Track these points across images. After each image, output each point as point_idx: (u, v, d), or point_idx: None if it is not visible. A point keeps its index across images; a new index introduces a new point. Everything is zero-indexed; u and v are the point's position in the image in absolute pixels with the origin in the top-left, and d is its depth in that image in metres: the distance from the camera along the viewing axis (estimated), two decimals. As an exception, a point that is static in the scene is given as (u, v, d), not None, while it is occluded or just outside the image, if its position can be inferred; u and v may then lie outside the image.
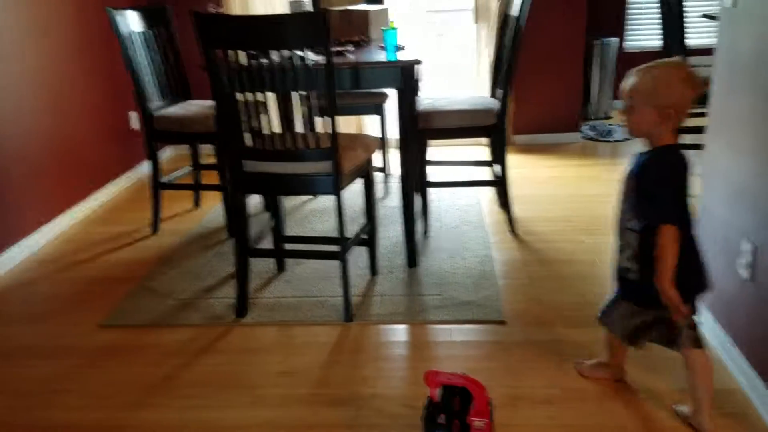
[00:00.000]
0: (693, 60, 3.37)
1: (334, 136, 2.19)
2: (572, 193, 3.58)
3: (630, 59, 5.31)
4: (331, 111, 2.18)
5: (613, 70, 5.13)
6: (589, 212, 3.29)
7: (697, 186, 2.26)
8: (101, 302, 2.57)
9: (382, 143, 3.52)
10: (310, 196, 3.62)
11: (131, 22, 3.01)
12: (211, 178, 3.38)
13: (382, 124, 3.53)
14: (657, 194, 1.57)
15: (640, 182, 1.61)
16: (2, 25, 2.95)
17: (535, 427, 1.77)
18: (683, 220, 1.58)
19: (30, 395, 2.02)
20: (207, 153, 3.48)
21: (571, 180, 3.80)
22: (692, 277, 1.65)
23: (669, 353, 2.04)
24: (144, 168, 4.14)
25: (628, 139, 4.60)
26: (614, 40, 5.05)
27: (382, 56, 2.64)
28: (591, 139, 4.65)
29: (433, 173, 3.14)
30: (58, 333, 2.38)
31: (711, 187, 2.17)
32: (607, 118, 5.22)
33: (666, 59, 1.63)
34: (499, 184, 3.11)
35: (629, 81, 1.60)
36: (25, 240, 3.06)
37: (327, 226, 3.20)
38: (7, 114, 2.97)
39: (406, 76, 2.51)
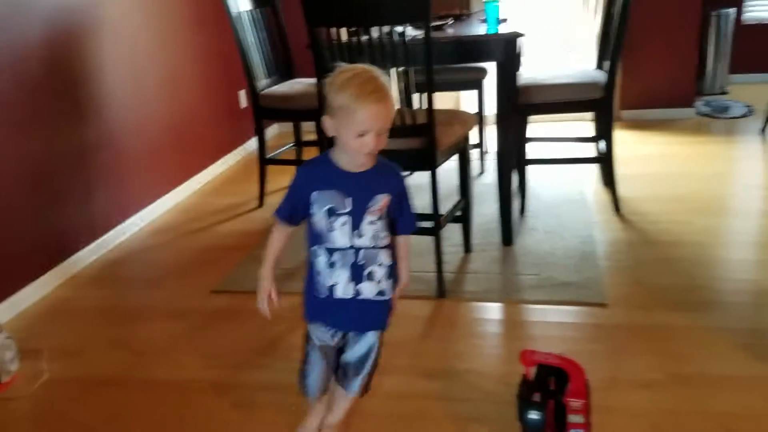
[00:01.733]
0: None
1: (431, 111, 2.19)
2: (683, 171, 3.38)
3: (749, 31, 4.93)
4: (428, 87, 2.18)
5: (731, 43, 4.77)
6: (700, 192, 3.10)
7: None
8: (214, 269, 2.74)
9: (479, 119, 3.48)
10: (406, 172, 3.64)
11: (240, 2, 3.14)
12: (313, 153, 3.48)
13: (480, 99, 3.49)
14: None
15: (404, 196, 1.55)
16: (120, 8, 3.17)
17: (635, 410, 1.72)
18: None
19: (147, 354, 2.18)
20: (309, 130, 3.59)
21: (683, 158, 3.59)
22: None
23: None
24: (252, 144, 4.33)
25: (745, 116, 4.27)
26: (732, 10, 4.68)
27: (482, 29, 2.60)
28: (706, 115, 4.36)
29: (533, 150, 3.07)
30: (174, 297, 2.56)
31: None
32: (724, 93, 4.86)
33: None
34: (604, 161, 3.00)
35: None
36: (145, 210, 3.31)
37: (422, 202, 3.20)
38: (128, 93, 3.20)
39: (507, 50, 2.46)
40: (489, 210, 3.06)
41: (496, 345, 2.10)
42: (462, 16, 3.11)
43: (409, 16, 2.11)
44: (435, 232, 2.33)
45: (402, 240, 1.53)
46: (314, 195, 1.42)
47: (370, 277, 1.46)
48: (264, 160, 3.35)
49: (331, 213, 1.42)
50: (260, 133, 3.31)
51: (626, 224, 2.85)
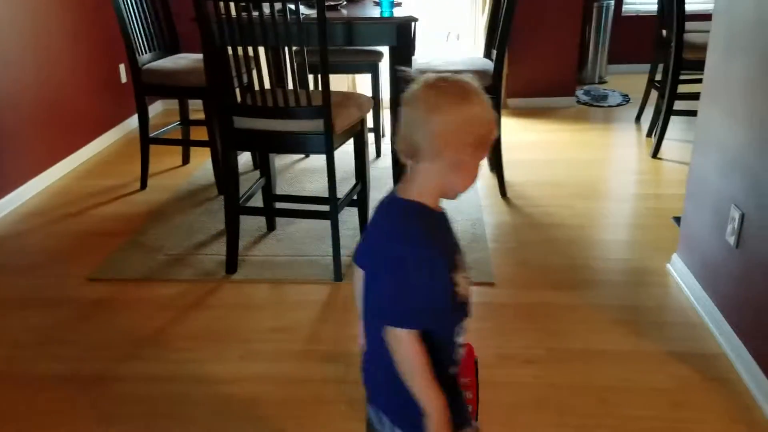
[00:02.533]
0: (691, 25, 3.35)
1: (327, 93, 2.15)
2: (565, 157, 3.57)
3: (627, 23, 5.28)
4: (323, 68, 2.14)
5: (610, 34, 5.08)
6: (581, 177, 3.29)
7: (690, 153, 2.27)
8: (90, 256, 2.56)
9: (375, 103, 3.48)
10: (302, 155, 3.59)
11: (120, -30, 2.93)
12: (200, 133, 3.34)
13: (375, 83, 3.49)
14: None
15: None
16: (-14, -30, 2.86)
17: (520, 385, 1.80)
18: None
19: (26, 346, 2.03)
20: (196, 108, 3.43)
21: (564, 145, 3.79)
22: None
23: (657, 319, 2.08)
24: (134, 122, 4.08)
25: (622, 104, 4.58)
26: (612, 2, 4.98)
27: (376, 12, 2.59)
28: (585, 103, 4.62)
29: (426, 134, 3.12)
30: (49, 285, 2.38)
31: (703, 155, 2.17)
32: (602, 82, 5.18)
33: None
34: (492, 147, 3.09)
35: None
36: (14, 192, 3.03)
37: (318, 186, 3.19)
38: (-8, 63, 2.90)
39: (401, 34, 2.46)
40: (385, 194, 3.07)
41: (391, 327, 2.12)
42: (356, -3, 3.07)
43: (302, -7, 2.05)
44: (332, 215, 2.30)
45: None
46: (456, 275, 1.08)
47: None
48: (146, 139, 3.17)
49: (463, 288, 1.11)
50: (142, 111, 3.12)
51: (512, 208, 2.97)
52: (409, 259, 0.98)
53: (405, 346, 0.99)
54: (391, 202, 1.07)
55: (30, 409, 1.77)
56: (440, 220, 1.07)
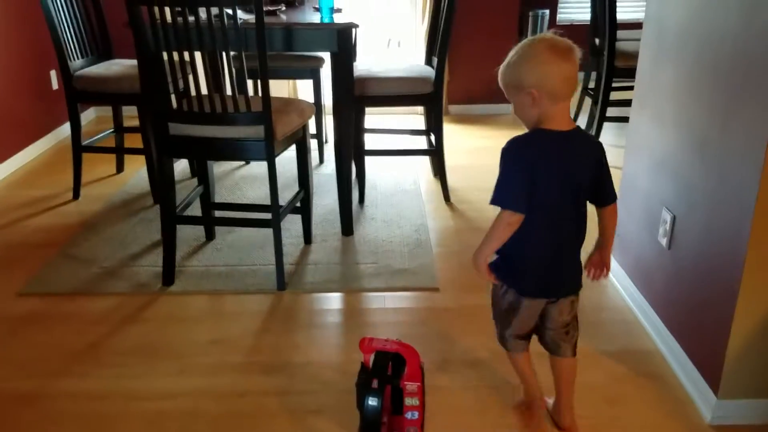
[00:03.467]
0: (623, 33, 3.47)
1: (267, 99, 2.12)
2: (505, 162, 3.63)
3: (562, 31, 5.43)
4: (262, 73, 2.11)
5: (547, 43, 5.20)
6: (520, 182, 3.35)
7: (621, 158, 2.34)
8: (20, 269, 2.45)
9: (317, 109, 3.46)
10: (242, 162, 3.53)
11: (48, -28, 2.81)
12: (134, 141, 3.24)
13: (317, 89, 3.47)
14: (499, 177, 1.47)
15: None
16: None
17: (466, 388, 1.81)
18: (533, 209, 1.42)
19: (-58, 367, 1.91)
20: (130, 115, 3.33)
21: (504, 150, 3.85)
22: (516, 273, 1.53)
23: (592, 318, 2.13)
24: (66, 129, 3.93)
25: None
26: (547, 11, 5.12)
27: (316, 18, 2.57)
28: (524, 110, 4.71)
29: (369, 141, 3.12)
30: (-28, 302, 2.25)
31: (634, 159, 2.25)
32: (540, 90, 5.30)
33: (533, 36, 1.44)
34: (435, 153, 3.13)
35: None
36: (-69, 205, 2.86)
37: (259, 193, 3.14)
38: None
39: (342, 40, 2.45)
40: (329, 200, 3.05)
41: (336, 335, 2.10)
42: (295, 3, 3.05)
43: (239, -2, 2.02)
44: (273, 223, 2.27)
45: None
46: None
47: None
48: (79, 147, 3.05)
49: None
50: (74, 118, 3.00)
51: (455, 212, 3.00)
52: None
53: None
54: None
55: (-49, 435, 1.66)
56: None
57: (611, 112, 3.55)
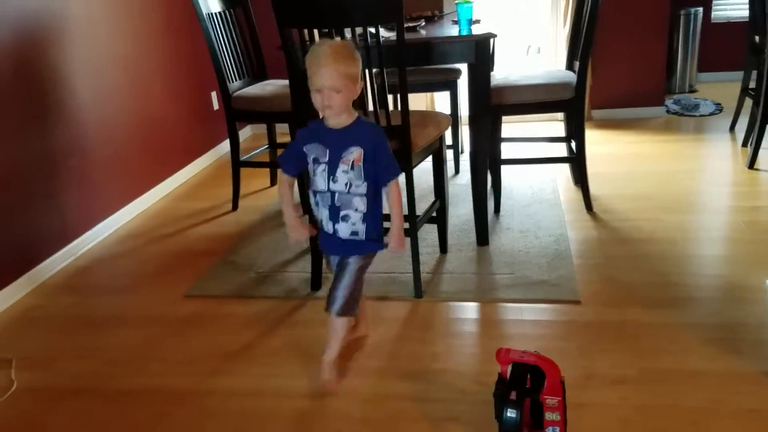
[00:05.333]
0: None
1: (405, 113, 2.19)
2: (653, 169, 3.44)
3: (717, 30, 5.04)
4: (402, 88, 2.18)
5: (699, 42, 4.86)
6: (670, 190, 3.15)
7: None
8: (186, 274, 2.70)
9: (454, 120, 3.49)
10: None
11: (211, 2, 3.11)
12: (286, 156, 3.46)
13: (454, 100, 3.50)
14: (392, 155, 1.79)
15: (378, 149, 1.76)
16: (87, 11, 3.11)
17: (608, 406, 1.74)
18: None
19: (118, 363, 2.14)
20: (283, 132, 3.57)
21: (653, 156, 3.65)
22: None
23: (757, 337, 1.96)
24: (225, 146, 4.29)
25: (714, 113, 4.36)
26: (700, 9, 4.78)
27: (454, 31, 2.61)
28: (675, 113, 4.43)
29: (506, 150, 3.09)
30: (145, 303, 2.52)
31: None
32: (693, 91, 4.96)
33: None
34: (575, 160, 3.03)
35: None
36: (114, 215, 3.25)
37: (399, 204, 3.22)
38: (97, 97, 3.14)
39: (479, 51, 2.47)
40: (464, 210, 3.07)
41: (472, 344, 2.11)
42: (434, 17, 3.11)
43: (380, 17, 2.11)
44: (411, 233, 2.33)
45: (389, 188, 1.81)
46: (306, 148, 1.79)
47: (344, 219, 1.80)
48: (237, 163, 3.32)
49: (315, 161, 1.78)
50: (233, 136, 3.28)
51: (597, 222, 2.88)
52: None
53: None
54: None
55: (120, 421, 1.85)
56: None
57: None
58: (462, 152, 3.80)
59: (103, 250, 3.04)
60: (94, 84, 3.12)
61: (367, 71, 2.21)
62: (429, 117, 2.45)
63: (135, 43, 3.46)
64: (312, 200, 1.84)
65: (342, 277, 1.84)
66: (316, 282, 2.48)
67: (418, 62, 2.55)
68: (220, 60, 3.12)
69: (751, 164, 3.33)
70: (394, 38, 2.14)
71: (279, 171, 1.89)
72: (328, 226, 1.82)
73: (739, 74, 3.83)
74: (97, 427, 1.84)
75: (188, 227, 3.22)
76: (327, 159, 1.76)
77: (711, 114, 4.36)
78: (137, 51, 3.48)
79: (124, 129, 3.34)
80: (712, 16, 4.99)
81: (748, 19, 3.64)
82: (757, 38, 3.47)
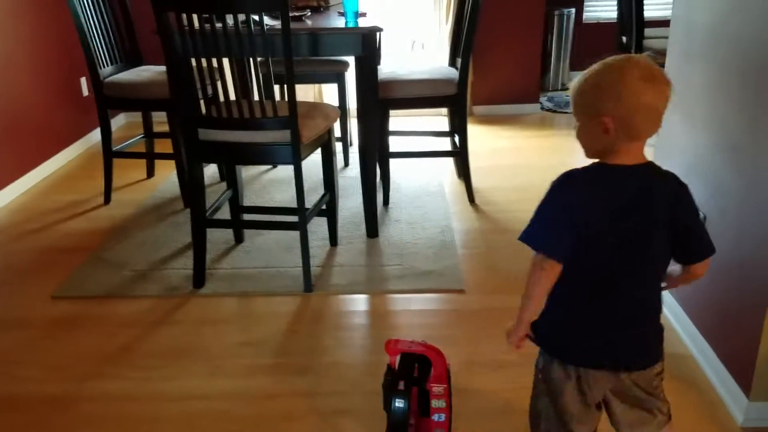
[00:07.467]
0: (650, 31, 3.43)
1: (293, 104, 2.15)
2: (530, 163, 3.62)
3: (588, 30, 5.38)
4: (289, 78, 2.14)
5: (571, 41, 5.17)
6: (546, 182, 3.31)
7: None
8: (54, 273, 2.50)
9: (342, 112, 3.48)
10: (269, 166, 3.57)
11: (79, -18, 2.88)
12: (164, 146, 3.29)
13: (342, 92, 3.49)
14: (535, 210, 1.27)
15: None
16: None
17: (493, 391, 1.81)
18: (572, 260, 1.23)
19: (-20, 369, 1.96)
20: (160, 120, 3.38)
21: (530, 151, 3.84)
22: (557, 337, 1.34)
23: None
24: (96, 135, 4.01)
25: (585, 111, 4.66)
26: (573, 10, 5.08)
27: (341, 22, 2.59)
28: (549, 110, 4.69)
29: (394, 144, 3.13)
30: (11, 304, 2.32)
31: (665, 161, 2.22)
32: (565, 89, 5.26)
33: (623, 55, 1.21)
34: (459, 154, 3.12)
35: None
36: (-31, 210, 2.95)
37: (286, 197, 3.17)
38: (-54, 78, 2.82)
39: (366, 44, 2.47)
40: (354, 203, 3.07)
41: (363, 336, 2.11)
42: (320, 7, 3.08)
43: (264, 4, 2.05)
44: (300, 226, 2.29)
45: None
46: None
47: None
48: (110, 153, 3.11)
49: None
50: (104, 124, 3.07)
51: (480, 213, 2.99)
52: None
53: None
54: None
55: (-9, 434, 1.71)
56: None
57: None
58: (351, 145, 3.80)
59: (-45, 249, 2.75)
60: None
61: (251, 60, 2.14)
62: (317, 109, 2.42)
63: (-10, 20, 3.14)
64: None
65: None
66: (198, 279, 2.38)
67: (304, 53, 2.51)
68: (90, 43, 2.90)
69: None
70: (279, 27, 2.08)
71: None
72: None
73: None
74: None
75: (56, 222, 2.98)
76: None
77: (581, 111, 4.65)
78: (-7, 29, 3.16)
79: (-22, 115, 3.02)
80: (584, 16, 5.31)
81: (616, 20, 3.91)
82: (624, 39, 3.73)
